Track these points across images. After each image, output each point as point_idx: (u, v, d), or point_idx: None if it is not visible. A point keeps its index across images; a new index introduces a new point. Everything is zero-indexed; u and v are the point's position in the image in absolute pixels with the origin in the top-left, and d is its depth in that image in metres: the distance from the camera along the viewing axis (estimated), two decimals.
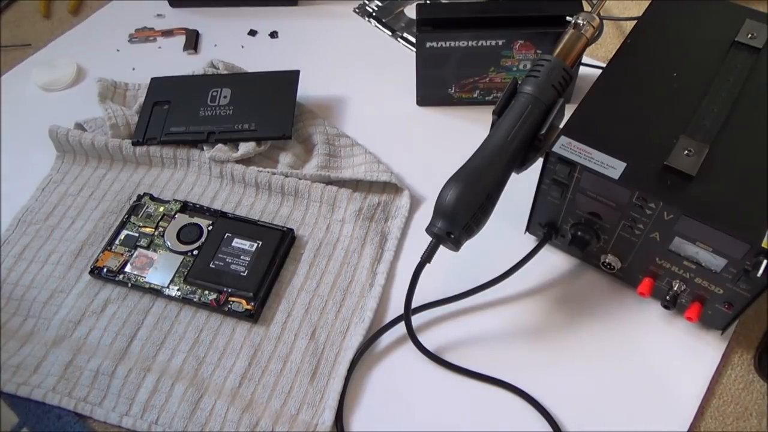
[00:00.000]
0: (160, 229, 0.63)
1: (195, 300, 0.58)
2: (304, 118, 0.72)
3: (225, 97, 0.71)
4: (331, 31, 0.83)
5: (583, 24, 0.58)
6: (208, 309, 0.58)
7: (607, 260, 0.57)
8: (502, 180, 0.51)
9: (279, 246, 0.61)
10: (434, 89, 0.72)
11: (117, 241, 0.62)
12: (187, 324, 0.57)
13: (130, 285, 0.59)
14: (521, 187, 0.60)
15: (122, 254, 0.61)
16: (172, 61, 0.80)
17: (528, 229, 0.61)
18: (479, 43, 0.66)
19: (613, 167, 0.49)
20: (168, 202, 0.65)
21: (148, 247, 0.62)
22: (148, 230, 0.63)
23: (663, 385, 0.54)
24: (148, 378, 0.54)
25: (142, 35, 0.83)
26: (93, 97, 0.72)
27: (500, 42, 0.66)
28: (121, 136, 0.69)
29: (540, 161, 0.53)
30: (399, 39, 0.82)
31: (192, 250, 0.61)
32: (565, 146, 0.50)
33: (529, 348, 0.56)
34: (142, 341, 0.56)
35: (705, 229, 0.46)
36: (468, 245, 0.59)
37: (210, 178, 0.68)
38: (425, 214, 0.65)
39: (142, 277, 0.59)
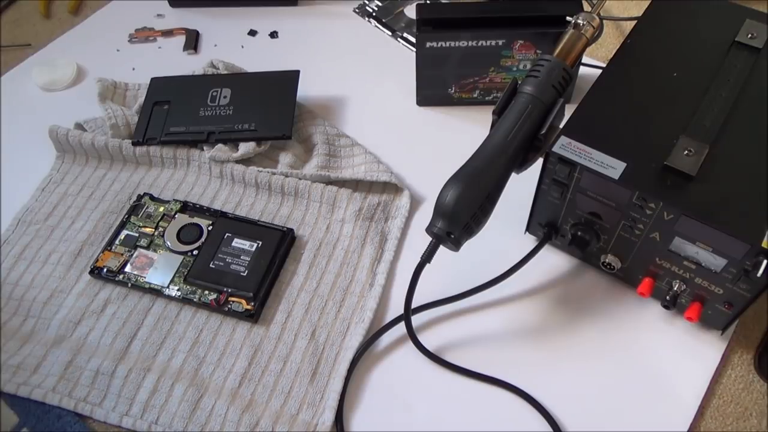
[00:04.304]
0: (160, 229, 0.63)
1: (195, 300, 0.58)
2: (304, 118, 0.72)
3: (225, 97, 0.71)
4: (331, 31, 0.83)
5: (583, 24, 0.58)
6: (208, 309, 0.58)
7: (607, 260, 0.57)
8: (502, 180, 0.51)
9: (279, 246, 0.61)
10: (434, 89, 0.72)
11: (117, 241, 0.62)
12: (187, 324, 0.57)
13: (130, 285, 0.59)
14: (521, 187, 0.60)
15: (122, 254, 0.61)
16: (172, 61, 0.80)
17: (528, 229, 0.61)
18: (479, 43, 0.66)
19: (613, 167, 0.49)
20: (168, 202, 0.65)
21: (148, 247, 0.62)
22: (148, 230, 0.63)
23: (663, 385, 0.54)
24: (148, 378, 0.54)
25: (142, 35, 0.83)
26: (93, 97, 0.72)
27: (500, 42, 0.66)
28: (121, 136, 0.69)
29: (540, 161, 0.53)
30: (399, 39, 0.82)
31: (192, 250, 0.61)
32: (565, 146, 0.50)
33: (529, 348, 0.56)
34: (142, 341, 0.56)
35: (705, 229, 0.46)
36: (468, 245, 0.59)
37: (210, 178, 0.68)
38: (425, 214, 0.65)
39: (142, 277, 0.59)
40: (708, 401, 0.53)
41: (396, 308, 0.59)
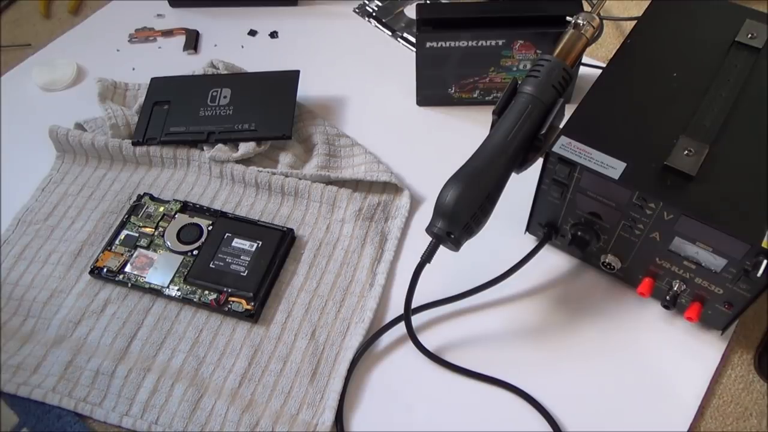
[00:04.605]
0: (160, 229, 0.63)
1: (195, 300, 0.58)
2: (304, 118, 0.72)
3: (225, 97, 0.71)
4: (331, 31, 0.83)
5: (583, 24, 0.58)
6: (208, 309, 0.58)
7: (607, 260, 0.57)
8: (502, 180, 0.51)
9: (279, 246, 0.61)
10: (434, 89, 0.72)
11: (117, 241, 0.62)
12: (187, 324, 0.57)
13: (130, 285, 0.59)
14: (521, 187, 0.60)
15: (122, 254, 0.61)
16: (172, 61, 0.80)
17: (528, 229, 0.61)
18: (479, 43, 0.66)
19: (613, 167, 0.49)
20: (168, 202, 0.65)
21: (148, 247, 0.62)
22: (148, 230, 0.63)
23: (663, 385, 0.54)
24: (148, 378, 0.54)
25: (142, 35, 0.83)
26: (93, 97, 0.72)
27: (500, 42, 0.66)
28: (121, 136, 0.69)
29: (540, 161, 0.53)
30: (399, 39, 0.82)
31: (192, 250, 0.61)
32: (565, 146, 0.50)
33: (529, 348, 0.56)
34: (142, 341, 0.56)
35: (705, 229, 0.46)
36: (468, 245, 0.59)
37: (210, 178, 0.68)
38: (425, 214, 0.65)
39: (142, 277, 0.59)
40: (708, 401, 0.53)
41: (396, 308, 0.59)
